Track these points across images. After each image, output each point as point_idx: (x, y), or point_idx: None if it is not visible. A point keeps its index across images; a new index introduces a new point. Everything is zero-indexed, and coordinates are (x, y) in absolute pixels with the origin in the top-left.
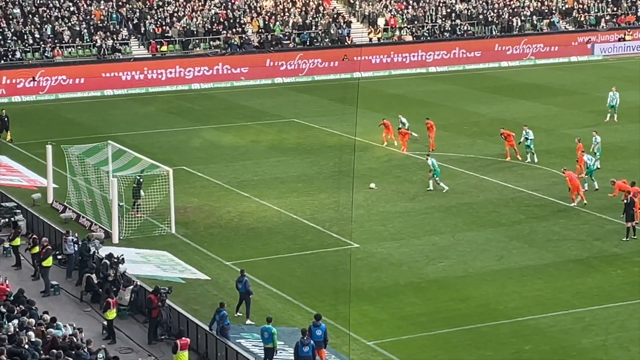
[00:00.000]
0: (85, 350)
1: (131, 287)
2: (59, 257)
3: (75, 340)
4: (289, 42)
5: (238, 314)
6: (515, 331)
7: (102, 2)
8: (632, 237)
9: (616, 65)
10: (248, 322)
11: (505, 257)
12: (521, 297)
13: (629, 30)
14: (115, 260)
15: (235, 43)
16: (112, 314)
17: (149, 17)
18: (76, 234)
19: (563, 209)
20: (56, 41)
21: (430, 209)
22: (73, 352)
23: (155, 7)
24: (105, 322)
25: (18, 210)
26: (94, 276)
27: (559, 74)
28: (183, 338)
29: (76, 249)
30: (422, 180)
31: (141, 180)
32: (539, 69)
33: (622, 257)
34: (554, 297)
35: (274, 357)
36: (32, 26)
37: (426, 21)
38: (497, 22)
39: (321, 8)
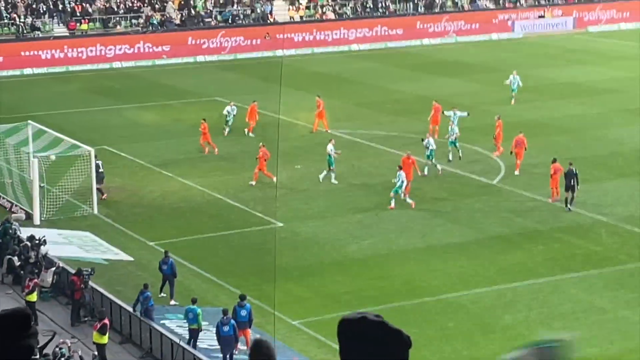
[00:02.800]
0: None
1: (53, 268)
2: None
3: None
4: (210, 19)
5: (162, 294)
6: (439, 308)
7: None
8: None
9: (536, 42)
10: (172, 302)
11: (429, 235)
12: (444, 274)
13: (548, 7)
14: (37, 241)
15: (157, 21)
16: (33, 296)
17: None
18: None
19: (485, 185)
20: None
21: (353, 188)
22: None
23: None
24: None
25: None
26: (15, 258)
27: (480, 52)
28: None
29: None
30: (345, 158)
31: (99, 163)
32: (461, 47)
33: (543, 234)
34: (476, 274)
35: (199, 337)
36: None
37: None
38: None
39: None
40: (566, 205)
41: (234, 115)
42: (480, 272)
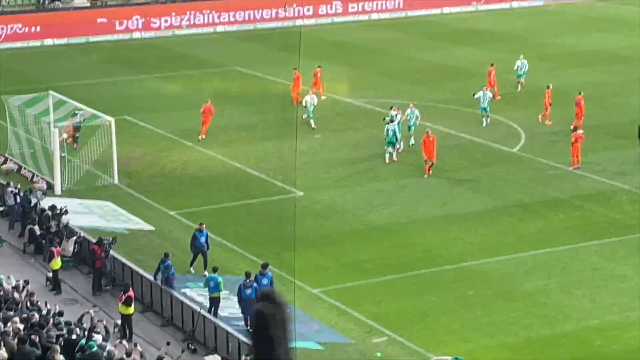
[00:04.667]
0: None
1: (74, 237)
2: (1, 208)
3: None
4: None
5: (192, 269)
6: (459, 276)
7: None
8: None
9: (556, 10)
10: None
11: (449, 204)
12: (464, 242)
13: None
14: (58, 211)
15: None
16: (57, 263)
17: None
18: (18, 185)
19: (505, 154)
20: None
21: (373, 156)
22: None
23: None
24: (49, 274)
25: None
26: (36, 227)
27: (501, 20)
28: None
29: (18, 200)
30: (365, 127)
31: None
32: (481, 15)
33: (563, 202)
34: (496, 242)
35: (220, 306)
36: None
37: None
38: None
39: None
40: None
41: (314, 104)
42: (500, 240)
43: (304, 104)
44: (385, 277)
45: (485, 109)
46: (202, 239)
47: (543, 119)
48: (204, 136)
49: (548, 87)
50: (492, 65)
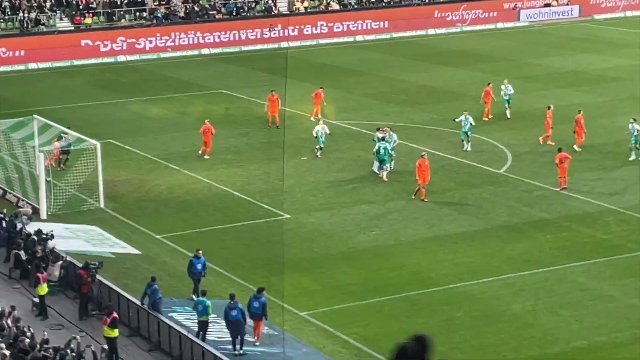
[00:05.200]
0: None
1: (60, 262)
2: None
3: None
4: (215, 12)
5: (193, 296)
6: (447, 298)
7: None
8: None
9: (542, 31)
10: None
11: (436, 225)
12: (452, 264)
13: None
14: (44, 236)
15: (161, 14)
16: (43, 289)
17: None
18: (4, 210)
19: (492, 175)
20: None
21: (360, 179)
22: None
23: None
24: (35, 299)
25: None
26: (22, 252)
27: (486, 41)
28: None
29: (3, 225)
30: (351, 149)
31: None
32: (466, 36)
33: (550, 222)
34: (484, 264)
35: (208, 329)
36: None
37: None
38: None
39: None
40: None
41: (326, 133)
42: (488, 262)
43: (314, 134)
44: (373, 299)
45: (466, 133)
46: (199, 266)
47: (545, 140)
48: (208, 156)
49: (549, 108)
50: (489, 85)
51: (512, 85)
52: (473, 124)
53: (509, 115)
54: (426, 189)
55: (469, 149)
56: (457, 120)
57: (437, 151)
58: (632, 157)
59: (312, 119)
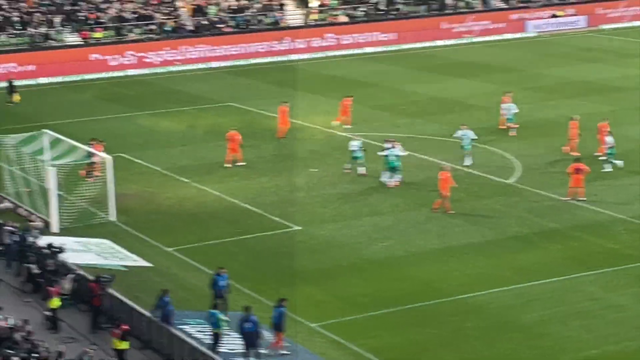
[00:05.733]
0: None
1: (72, 276)
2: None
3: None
4: (223, 25)
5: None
6: (457, 309)
7: None
8: None
9: (549, 41)
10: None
11: (447, 236)
12: (462, 274)
13: (560, 6)
14: (55, 249)
15: (170, 28)
16: (55, 302)
17: (81, 3)
18: (15, 224)
19: (502, 186)
20: None
21: (370, 190)
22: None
23: None
24: (47, 313)
25: None
26: (34, 266)
27: (494, 52)
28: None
29: (16, 239)
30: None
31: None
32: (474, 47)
33: (560, 233)
34: (494, 274)
35: (219, 341)
36: None
37: (361, 1)
38: (432, 0)
39: None
40: None
41: (362, 149)
42: (498, 272)
43: (350, 147)
44: (384, 310)
45: (463, 147)
46: (222, 282)
47: (568, 151)
48: (243, 162)
49: (573, 119)
50: (506, 93)
51: (521, 96)
52: (475, 137)
53: (511, 134)
54: (445, 200)
55: (469, 163)
56: (454, 136)
57: (448, 162)
58: (608, 169)
59: (333, 123)
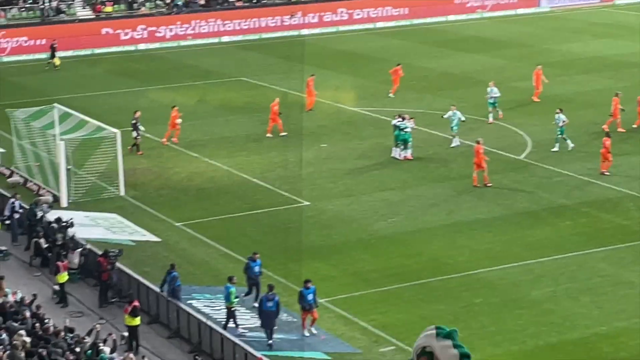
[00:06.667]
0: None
1: (80, 250)
2: (7, 222)
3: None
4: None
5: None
6: (466, 284)
7: None
8: None
9: (562, 16)
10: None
11: (455, 212)
12: (471, 250)
13: None
14: (64, 223)
15: (181, 2)
16: (63, 277)
17: None
18: (17, 196)
19: (512, 161)
20: None
21: (379, 165)
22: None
23: None
24: (55, 287)
25: None
26: (42, 240)
27: (506, 27)
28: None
29: (18, 212)
30: (371, 136)
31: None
32: (486, 22)
33: (570, 208)
34: (503, 250)
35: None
36: None
37: None
38: None
39: None
40: None
41: (460, 119)
42: (507, 248)
43: (398, 125)
44: (392, 286)
45: (452, 128)
46: (257, 268)
47: (614, 126)
48: (285, 133)
49: (617, 95)
50: (538, 66)
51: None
52: (463, 119)
53: (490, 120)
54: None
55: (456, 144)
56: (444, 116)
57: (457, 136)
58: (556, 149)
59: (390, 95)
